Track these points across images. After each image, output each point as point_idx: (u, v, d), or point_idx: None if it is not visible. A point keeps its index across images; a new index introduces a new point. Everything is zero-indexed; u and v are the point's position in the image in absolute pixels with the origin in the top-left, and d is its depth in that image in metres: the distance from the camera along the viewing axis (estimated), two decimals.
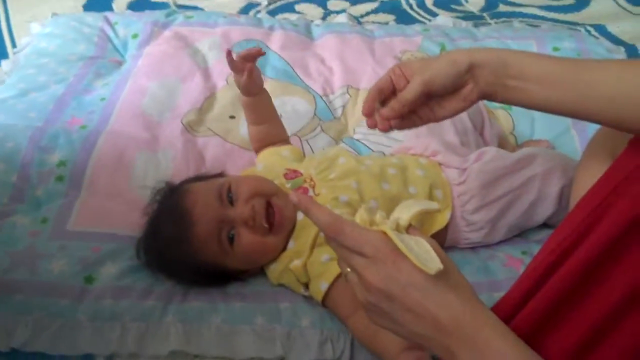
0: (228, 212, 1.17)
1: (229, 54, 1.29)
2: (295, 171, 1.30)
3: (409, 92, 0.98)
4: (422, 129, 1.32)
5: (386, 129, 1.01)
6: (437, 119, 1.03)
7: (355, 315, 1.07)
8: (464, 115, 1.40)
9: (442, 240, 1.26)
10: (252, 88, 1.34)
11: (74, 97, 1.65)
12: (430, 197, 1.25)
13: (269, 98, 1.40)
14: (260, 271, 1.24)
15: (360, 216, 0.81)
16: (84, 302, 1.16)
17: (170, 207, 1.21)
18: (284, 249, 1.20)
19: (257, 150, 1.43)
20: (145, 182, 1.40)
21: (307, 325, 1.13)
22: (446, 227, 1.25)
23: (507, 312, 0.81)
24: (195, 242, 1.15)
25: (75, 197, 1.38)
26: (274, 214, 1.18)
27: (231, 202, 1.18)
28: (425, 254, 0.75)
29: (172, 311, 1.15)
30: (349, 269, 0.80)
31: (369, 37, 1.93)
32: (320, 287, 1.12)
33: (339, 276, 1.10)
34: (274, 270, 1.20)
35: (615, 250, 0.75)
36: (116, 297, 1.17)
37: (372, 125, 1.01)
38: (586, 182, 0.94)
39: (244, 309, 1.16)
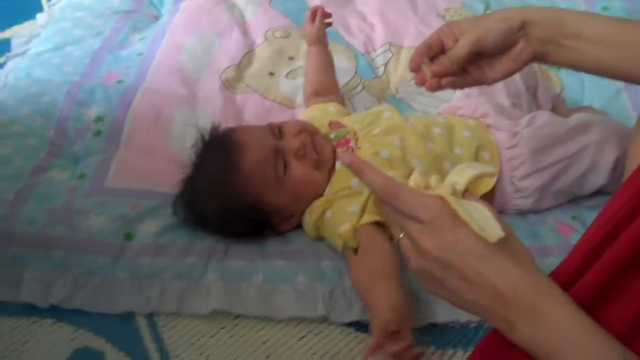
0: (280, 143, 1.19)
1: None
2: (339, 123, 1.29)
3: (460, 49, 0.96)
4: (473, 89, 1.31)
5: (434, 88, 0.99)
6: (489, 81, 1.00)
7: (361, 260, 1.08)
8: (517, 77, 1.35)
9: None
10: (322, 35, 1.47)
11: (110, 51, 1.65)
12: (477, 158, 1.22)
13: (331, 56, 1.50)
14: (298, 228, 1.23)
15: (414, 179, 0.77)
16: (123, 260, 1.14)
17: (218, 141, 1.22)
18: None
19: (309, 96, 1.45)
20: (184, 139, 1.38)
21: (349, 285, 1.11)
22: (493, 192, 1.22)
23: (562, 282, 0.78)
24: (246, 171, 1.15)
25: (114, 153, 1.36)
26: (317, 149, 1.21)
27: (280, 137, 1.21)
28: (485, 221, 0.71)
29: (213, 269, 1.13)
30: (401, 235, 0.76)
31: None
32: (341, 229, 1.13)
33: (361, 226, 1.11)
34: (309, 223, 1.19)
35: None
36: (156, 254, 1.15)
37: (421, 82, 0.99)
38: None
39: (285, 267, 1.14)
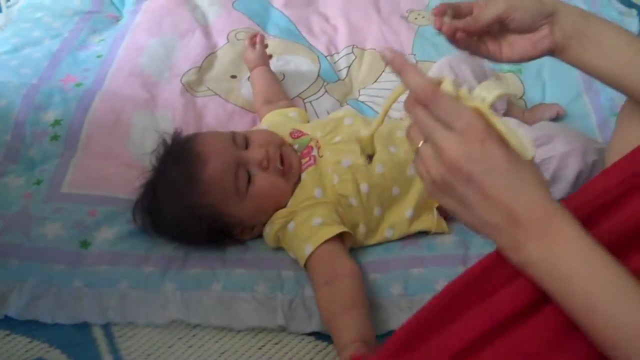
0: (243, 154, 1.17)
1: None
2: (300, 131, 1.28)
3: (488, 11, 0.97)
4: None
5: (449, 34, 0.99)
6: (502, 59, 1.02)
7: (326, 288, 1.07)
8: (467, 73, 1.36)
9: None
10: (265, 58, 1.51)
11: (69, 53, 1.62)
12: None
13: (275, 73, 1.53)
14: (259, 237, 1.21)
15: (445, 89, 0.74)
16: (79, 268, 1.13)
17: (178, 149, 1.20)
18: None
19: (260, 106, 1.44)
20: (143, 144, 1.36)
21: (309, 295, 1.10)
22: None
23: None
24: (206, 182, 1.14)
25: (71, 157, 1.33)
26: (284, 160, 1.19)
27: (245, 147, 1.19)
28: (520, 138, 0.70)
29: (171, 278, 1.12)
30: (420, 143, 0.73)
31: None
32: (304, 251, 1.11)
33: (323, 243, 1.10)
34: (269, 233, 1.18)
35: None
36: (113, 262, 1.14)
37: (439, 25, 0.99)
38: (625, 140, 0.95)
39: (244, 275, 1.13)
